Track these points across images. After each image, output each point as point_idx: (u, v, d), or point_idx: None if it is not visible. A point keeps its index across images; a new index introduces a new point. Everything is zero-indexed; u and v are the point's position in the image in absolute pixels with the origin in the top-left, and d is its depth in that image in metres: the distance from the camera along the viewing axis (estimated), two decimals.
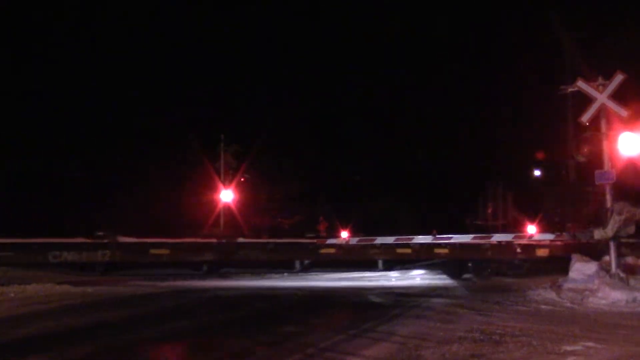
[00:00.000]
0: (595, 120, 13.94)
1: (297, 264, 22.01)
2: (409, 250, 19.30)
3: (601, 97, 13.69)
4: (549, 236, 18.24)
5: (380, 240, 19.13)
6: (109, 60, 32.66)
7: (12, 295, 14.10)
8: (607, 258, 13.97)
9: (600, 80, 13.88)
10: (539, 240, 18.49)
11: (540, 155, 30.94)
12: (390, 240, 19.01)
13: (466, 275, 19.60)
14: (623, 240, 14.21)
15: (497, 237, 18.83)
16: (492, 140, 31.24)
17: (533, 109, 27.17)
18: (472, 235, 19.03)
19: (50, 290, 15.28)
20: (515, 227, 22.54)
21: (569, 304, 11.75)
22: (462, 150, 34.23)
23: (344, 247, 19.48)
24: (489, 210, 28.04)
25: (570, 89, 14.80)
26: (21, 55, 31.18)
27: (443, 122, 34.49)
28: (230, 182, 25.49)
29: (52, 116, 30.01)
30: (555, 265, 16.53)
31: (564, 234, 17.74)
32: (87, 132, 30.77)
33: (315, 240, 20.03)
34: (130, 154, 29.48)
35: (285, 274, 21.36)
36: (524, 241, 18.70)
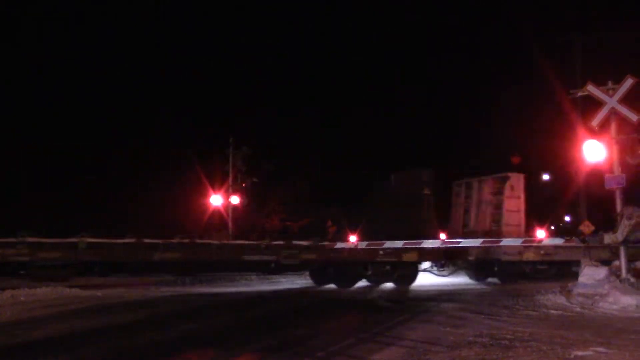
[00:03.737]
0: (605, 124, 13.88)
1: None
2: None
3: (611, 101, 13.63)
4: (558, 240, 18.14)
5: (388, 244, 19.05)
6: (118, 62, 32.85)
7: (23, 298, 14.18)
8: (617, 263, 13.90)
9: (610, 84, 13.82)
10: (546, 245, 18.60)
11: (549, 159, 30.79)
12: (399, 244, 18.92)
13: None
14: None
15: (505, 242, 18.75)
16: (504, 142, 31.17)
17: (542, 113, 27.12)
18: (480, 240, 18.93)
19: (60, 293, 15.36)
20: None
21: (579, 309, 11.69)
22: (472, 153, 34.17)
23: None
24: None
25: (580, 93, 14.73)
26: (30, 56, 31.36)
27: (450, 123, 34.50)
28: (239, 184, 25.51)
29: (59, 118, 30.14)
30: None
31: (573, 238, 17.63)
32: (96, 136, 30.91)
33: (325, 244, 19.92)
34: (137, 157, 29.58)
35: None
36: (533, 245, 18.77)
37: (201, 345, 8.61)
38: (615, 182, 13.60)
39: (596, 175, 15.11)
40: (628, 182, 13.60)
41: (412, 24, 39.91)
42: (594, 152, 13.94)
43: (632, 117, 13.55)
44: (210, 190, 25.32)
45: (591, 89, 14.00)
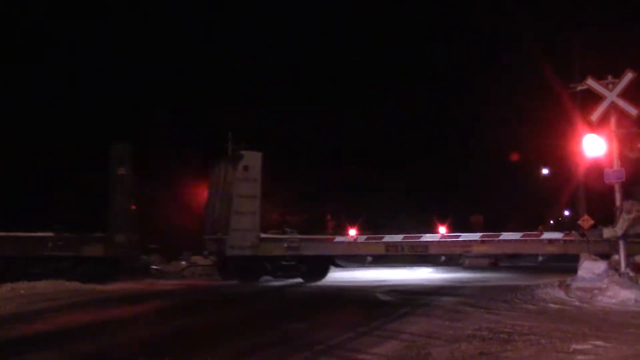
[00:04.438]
0: (605, 118, 13.88)
1: None
2: None
3: (611, 95, 13.62)
4: (557, 235, 18.15)
5: (388, 238, 19.04)
6: (118, 62, 32.73)
7: (22, 292, 14.22)
8: (616, 257, 13.92)
9: (610, 78, 13.81)
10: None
11: (548, 154, 30.78)
12: (398, 238, 18.92)
13: None
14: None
15: (505, 236, 18.68)
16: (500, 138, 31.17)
17: (541, 107, 27.11)
18: (480, 234, 18.89)
19: (59, 287, 15.39)
20: None
21: (577, 303, 11.70)
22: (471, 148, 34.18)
23: None
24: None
25: (580, 87, 14.73)
26: (30, 55, 31.26)
27: (449, 119, 34.46)
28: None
29: (59, 118, 30.02)
30: None
31: (572, 232, 17.65)
32: (96, 135, 30.75)
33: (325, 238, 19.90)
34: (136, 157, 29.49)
35: None
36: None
37: (200, 340, 8.62)
38: (614, 176, 13.61)
39: (596, 169, 15.11)
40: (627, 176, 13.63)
41: (413, 24, 39.68)
42: (593, 146, 13.92)
43: (632, 111, 13.55)
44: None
45: (591, 83, 13.99)
